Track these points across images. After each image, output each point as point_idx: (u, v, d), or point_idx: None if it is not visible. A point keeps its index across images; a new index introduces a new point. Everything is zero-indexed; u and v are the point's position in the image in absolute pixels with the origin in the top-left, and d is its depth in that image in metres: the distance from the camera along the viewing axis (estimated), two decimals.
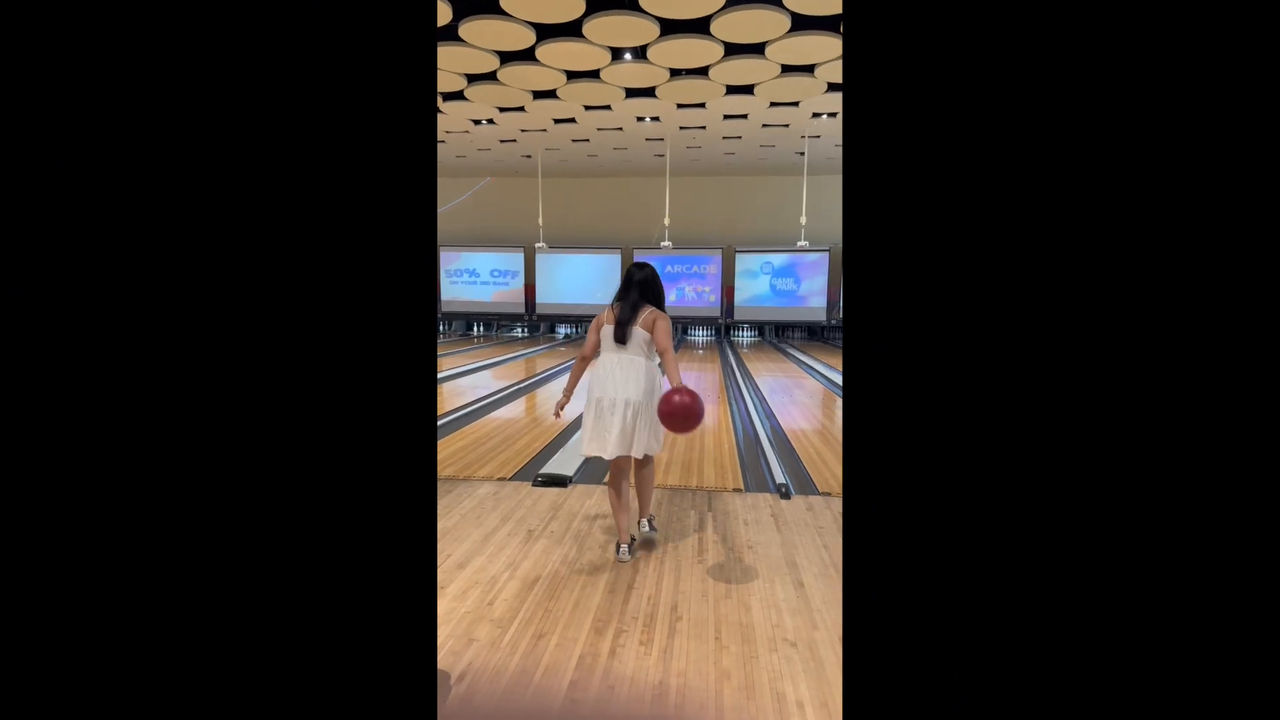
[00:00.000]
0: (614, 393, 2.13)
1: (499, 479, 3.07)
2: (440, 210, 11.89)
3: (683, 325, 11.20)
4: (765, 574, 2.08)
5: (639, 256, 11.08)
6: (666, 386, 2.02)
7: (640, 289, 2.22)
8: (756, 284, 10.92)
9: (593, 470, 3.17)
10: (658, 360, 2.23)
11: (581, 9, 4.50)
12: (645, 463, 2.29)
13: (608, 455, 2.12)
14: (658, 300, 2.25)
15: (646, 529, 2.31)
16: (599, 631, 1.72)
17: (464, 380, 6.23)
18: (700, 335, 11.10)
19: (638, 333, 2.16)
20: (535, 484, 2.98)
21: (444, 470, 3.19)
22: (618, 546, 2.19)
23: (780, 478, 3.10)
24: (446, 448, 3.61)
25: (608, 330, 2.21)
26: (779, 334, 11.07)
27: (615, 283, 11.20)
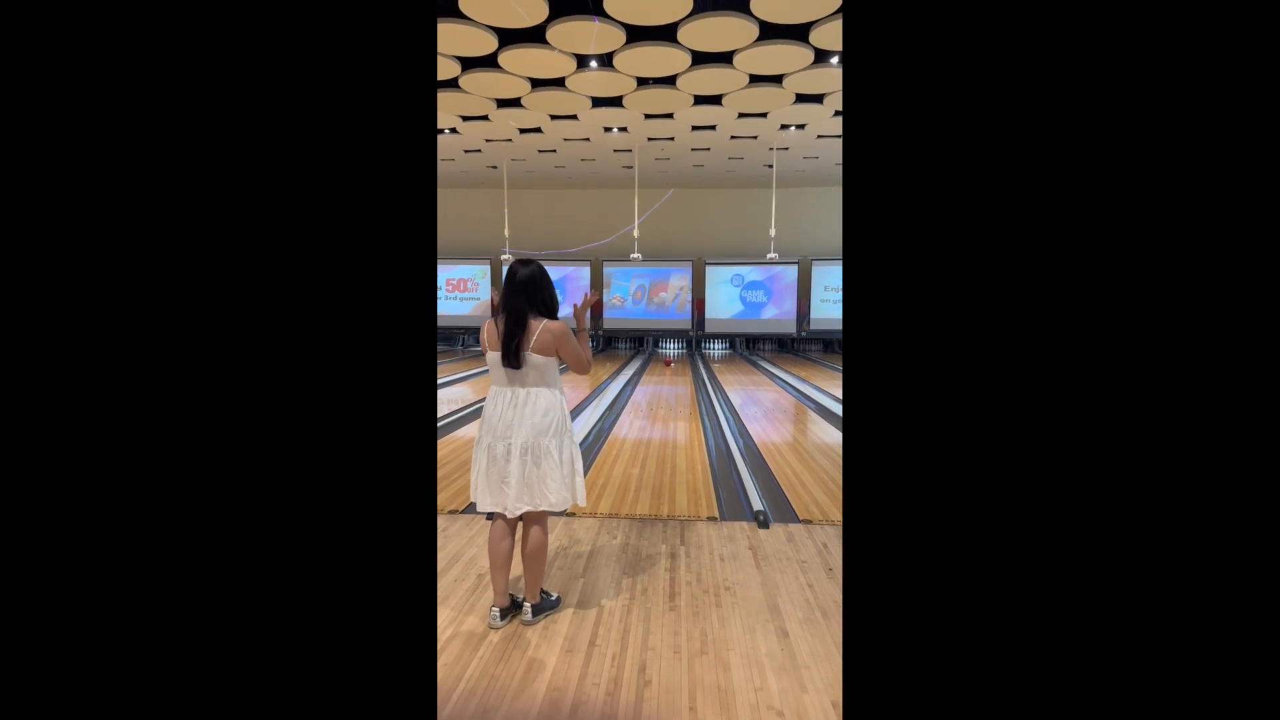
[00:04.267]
0: (507, 435, 1.71)
1: (450, 511, 2.78)
2: None
3: (654, 338, 11.05)
4: (745, 621, 1.86)
5: (608, 268, 10.93)
6: (575, 425, 1.75)
7: (526, 292, 1.72)
8: (727, 296, 10.86)
9: None
10: (559, 393, 1.78)
11: (545, 13, 4.33)
12: (536, 521, 1.79)
13: (510, 512, 1.73)
14: (548, 306, 1.75)
15: (528, 614, 1.79)
16: (554, 702, 1.47)
17: None
18: (671, 349, 10.97)
19: (533, 359, 1.71)
20: (490, 518, 2.71)
21: None
22: (491, 609, 1.80)
23: (758, 503, 2.91)
24: None
25: (494, 357, 1.74)
26: (750, 346, 11.02)
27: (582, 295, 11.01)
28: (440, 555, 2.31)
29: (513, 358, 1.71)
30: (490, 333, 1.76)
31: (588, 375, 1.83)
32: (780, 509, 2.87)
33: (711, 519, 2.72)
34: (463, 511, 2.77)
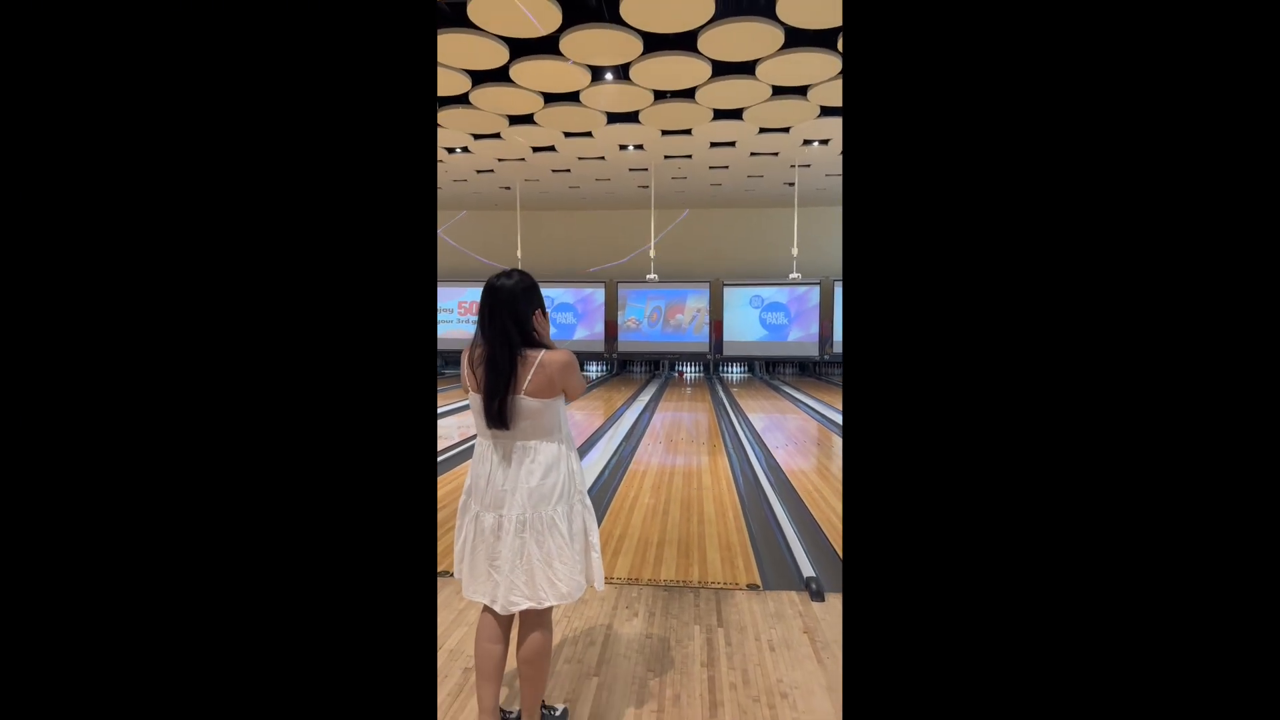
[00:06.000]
0: (498, 505, 1.30)
1: (440, 573, 2.37)
2: None
3: (670, 362, 10.67)
4: None
5: (623, 290, 10.62)
6: (587, 460, 1.34)
7: (514, 316, 1.28)
8: (746, 318, 10.48)
9: None
10: (564, 443, 1.35)
11: (558, 21, 4.08)
12: (536, 619, 1.35)
13: (502, 608, 1.30)
14: (536, 329, 1.32)
15: None
16: None
17: None
18: (689, 372, 10.58)
19: (526, 407, 1.28)
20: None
21: None
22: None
23: (807, 567, 2.45)
24: None
25: (476, 402, 1.32)
26: (769, 370, 10.59)
27: (598, 320, 10.71)
28: None
29: (496, 419, 1.28)
30: (470, 371, 1.33)
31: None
32: (834, 572, 2.41)
33: (753, 587, 2.27)
34: (454, 575, 2.36)
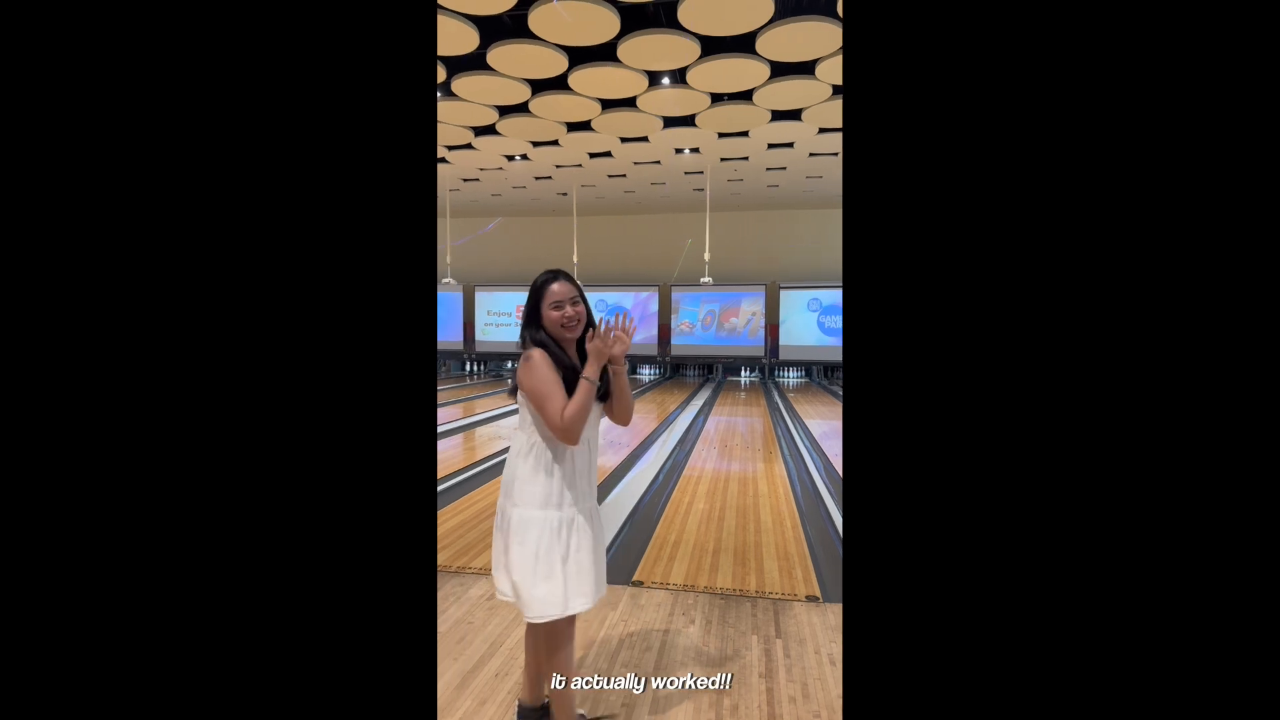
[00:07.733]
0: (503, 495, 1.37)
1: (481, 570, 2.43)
2: (456, 245, 11.82)
3: (724, 366, 10.55)
4: None
5: (677, 294, 10.60)
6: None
7: (526, 313, 1.36)
8: (803, 322, 10.22)
9: (624, 566, 2.51)
10: (532, 441, 1.31)
11: (616, 28, 4.13)
12: (553, 630, 1.32)
13: (513, 599, 1.32)
14: (544, 325, 1.33)
15: None
16: None
17: (485, 429, 5.72)
18: (743, 376, 10.42)
19: (520, 395, 1.33)
20: None
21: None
22: (519, 707, 1.46)
23: None
24: (443, 522, 3.02)
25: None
26: (828, 375, 10.26)
27: (652, 324, 10.74)
28: (479, 636, 1.95)
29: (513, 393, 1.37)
30: None
31: (576, 443, 1.27)
32: None
33: (812, 599, 2.20)
34: None
